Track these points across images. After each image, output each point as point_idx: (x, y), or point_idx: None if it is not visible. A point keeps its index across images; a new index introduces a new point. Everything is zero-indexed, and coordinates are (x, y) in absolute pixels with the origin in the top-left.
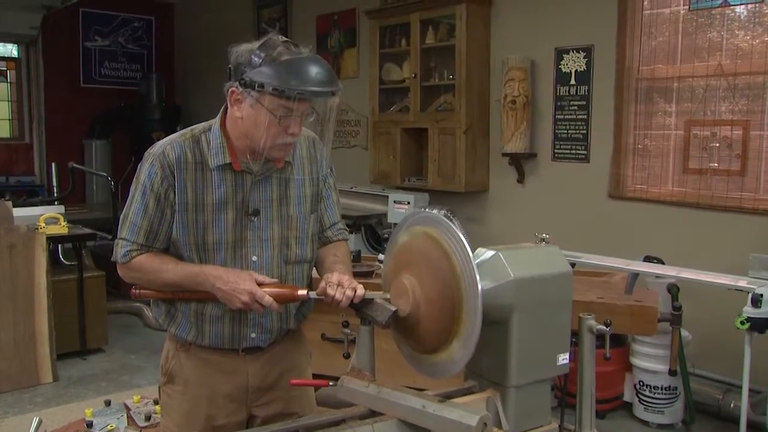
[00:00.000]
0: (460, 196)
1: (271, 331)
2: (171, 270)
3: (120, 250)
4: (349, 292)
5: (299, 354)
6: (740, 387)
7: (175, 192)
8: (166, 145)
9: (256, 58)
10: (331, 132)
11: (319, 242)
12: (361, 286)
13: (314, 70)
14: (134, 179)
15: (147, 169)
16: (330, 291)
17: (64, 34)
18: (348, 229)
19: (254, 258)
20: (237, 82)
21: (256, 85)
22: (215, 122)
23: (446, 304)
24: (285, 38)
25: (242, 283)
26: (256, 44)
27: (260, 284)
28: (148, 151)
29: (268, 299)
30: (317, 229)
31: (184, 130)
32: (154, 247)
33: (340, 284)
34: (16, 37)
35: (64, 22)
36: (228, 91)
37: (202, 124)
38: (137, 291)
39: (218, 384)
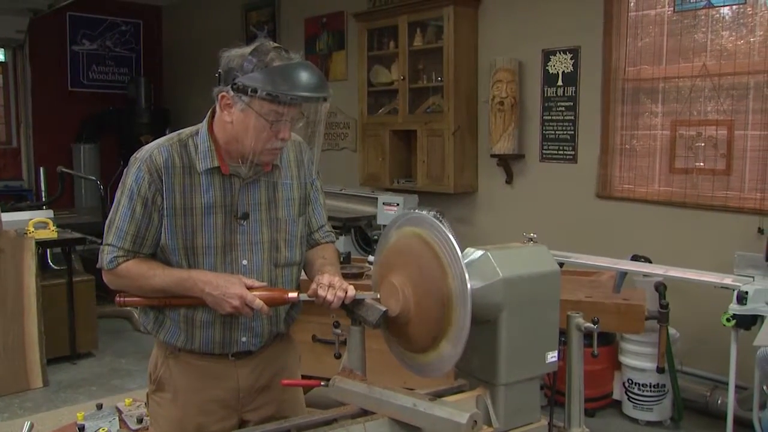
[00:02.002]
0: (449, 197)
1: (261, 334)
2: (159, 276)
3: (106, 256)
4: (340, 293)
5: (289, 357)
6: (727, 383)
7: (162, 196)
8: (153, 150)
9: (247, 64)
10: (321, 137)
11: (307, 245)
12: (351, 287)
13: (306, 76)
14: (120, 184)
15: (134, 174)
16: (321, 292)
17: (51, 37)
18: (335, 231)
19: (245, 262)
20: (228, 87)
21: (249, 90)
22: (202, 126)
23: (436, 303)
24: (276, 44)
25: (232, 287)
26: (247, 49)
27: (249, 288)
28: (134, 155)
29: (258, 303)
30: (305, 232)
31: (170, 135)
32: (141, 252)
33: (331, 285)
34: (3, 41)
35: (51, 25)
36: (218, 95)
37: (189, 128)
38: (122, 299)
39: (209, 390)
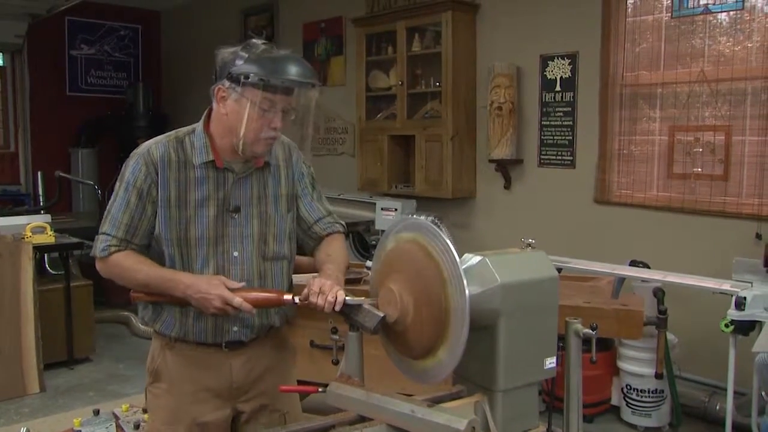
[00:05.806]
0: (447, 202)
1: (252, 326)
2: (144, 271)
3: (99, 244)
4: (330, 298)
5: (282, 352)
6: (725, 389)
7: (157, 189)
8: (151, 145)
9: (239, 58)
10: (311, 128)
11: (311, 240)
12: (342, 292)
13: (295, 64)
14: (118, 178)
15: (132, 166)
16: (312, 299)
17: (49, 42)
18: (341, 222)
19: (235, 253)
20: (223, 80)
21: (242, 77)
22: (198, 125)
23: (434, 309)
24: (265, 41)
25: (213, 289)
26: (239, 47)
27: (232, 289)
28: (133, 151)
29: (238, 300)
30: (295, 228)
31: (168, 133)
32: (133, 242)
33: (321, 291)
34: (2, 45)
35: (49, 30)
36: (214, 90)
37: (186, 127)
38: (136, 295)
39: (203, 380)
